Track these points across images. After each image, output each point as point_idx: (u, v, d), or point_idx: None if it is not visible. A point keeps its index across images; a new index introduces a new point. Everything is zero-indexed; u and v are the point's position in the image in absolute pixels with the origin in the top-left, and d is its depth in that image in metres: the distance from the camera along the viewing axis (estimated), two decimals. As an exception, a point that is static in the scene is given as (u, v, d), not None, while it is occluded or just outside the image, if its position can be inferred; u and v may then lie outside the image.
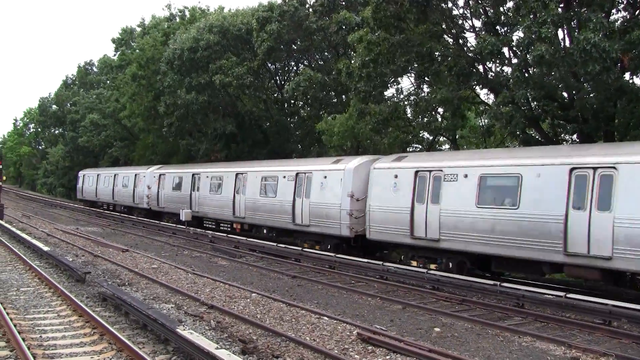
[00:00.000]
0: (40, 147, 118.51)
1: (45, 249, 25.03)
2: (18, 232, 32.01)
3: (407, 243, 22.81)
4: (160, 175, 44.09)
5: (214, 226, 36.53)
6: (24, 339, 11.96)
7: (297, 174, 28.59)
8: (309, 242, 28.04)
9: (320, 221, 26.75)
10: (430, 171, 22.15)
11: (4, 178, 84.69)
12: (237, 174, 33.66)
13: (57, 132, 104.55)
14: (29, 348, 11.40)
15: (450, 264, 21.33)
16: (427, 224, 21.77)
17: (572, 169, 17.75)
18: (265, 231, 31.51)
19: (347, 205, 25.32)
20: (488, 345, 13.16)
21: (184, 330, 11.68)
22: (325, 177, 26.87)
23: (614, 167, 16.86)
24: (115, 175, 53.55)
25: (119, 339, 12.00)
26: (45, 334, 12.91)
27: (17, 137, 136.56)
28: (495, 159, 21.06)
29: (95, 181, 58.61)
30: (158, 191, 43.87)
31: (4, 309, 14.55)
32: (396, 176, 23.41)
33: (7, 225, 36.07)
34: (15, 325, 12.93)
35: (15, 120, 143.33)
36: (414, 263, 22.61)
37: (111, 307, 15.61)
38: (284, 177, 29.45)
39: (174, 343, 11.78)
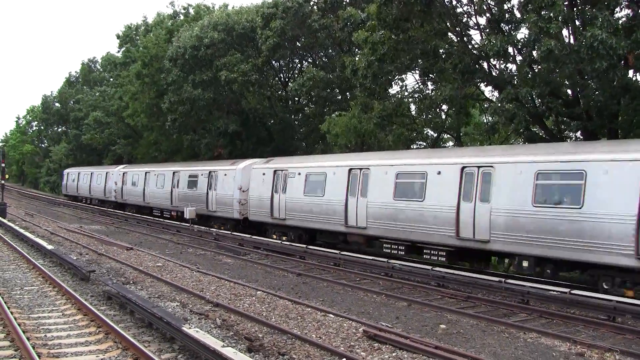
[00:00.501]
0: (43, 145, 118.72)
1: (49, 247, 25.01)
2: (21, 230, 32.02)
3: (269, 222, 30.80)
4: (123, 173, 51.74)
5: (158, 214, 44.89)
6: (28, 339, 11.95)
7: (209, 172, 36.84)
8: (217, 224, 35.89)
9: (223, 207, 34.97)
10: (282, 170, 30.08)
11: (7, 176, 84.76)
12: (174, 172, 41.67)
13: (60, 130, 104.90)
14: (33, 347, 11.38)
15: (292, 236, 29.30)
16: (279, 208, 29.72)
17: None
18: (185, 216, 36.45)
19: (238, 195, 33.57)
20: (494, 342, 13.17)
21: (190, 328, 11.66)
22: (225, 174, 35.16)
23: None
24: (92, 173, 61.46)
25: (124, 338, 11.98)
26: (50, 333, 12.89)
27: (19, 136, 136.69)
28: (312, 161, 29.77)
29: (77, 178, 66.03)
30: (122, 187, 51.50)
31: (8, 308, 14.54)
32: (264, 174, 31.27)
33: (10, 223, 36.09)
34: (19, 325, 12.92)
35: (18, 118, 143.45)
36: (274, 236, 30.33)
37: (116, 305, 15.61)
38: (202, 174, 37.60)
39: (179, 341, 11.77)
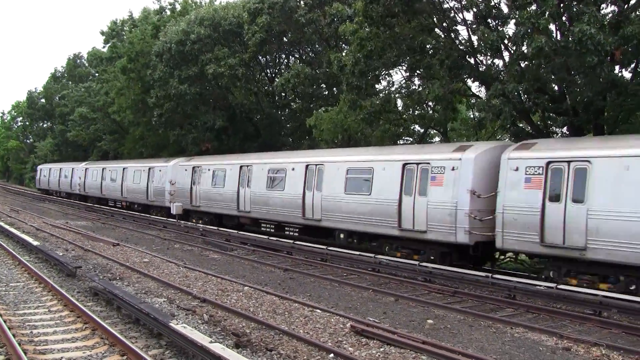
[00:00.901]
0: (28, 141, 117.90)
1: (35, 243, 24.85)
2: (6, 226, 31.81)
3: (190, 209, 36.58)
4: (85, 169, 58.24)
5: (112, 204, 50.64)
6: (14, 335, 11.87)
7: (149, 168, 41.62)
8: (154, 212, 41.59)
9: (159, 198, 40.85)
10: (197, 167, 35.21)
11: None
12: (124, 169, 44.19)
13: (45, 125, 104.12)
14: (19, 344, 11.29)
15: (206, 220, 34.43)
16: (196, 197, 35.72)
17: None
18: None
19: (169, 187, 39.74)
20: (481, 337, 13.23)
21: (177, 324, 11.64)
22: (160, 170, 41.15)
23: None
24: (60, 169, 68.02)
25: (111, 334, 11.93)
26: (36, 330, 12.82)
27: (4, 131, 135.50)
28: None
29: (48, 174, 72.44)
30: (84, 181, 57.89)
31: (-6, 304, 14.45)
32: (185, 170, 36.38)
33: (-5, 219, 35.84)
34: (5, 321, 12.82)
35: (3, 113, 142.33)
36: (193, 220, 35.79)
37: (103, 301, 15.53)
38: (143, 170, 41.38)
39: (167, 337, 11.74)
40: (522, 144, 19.75)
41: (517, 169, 18.61)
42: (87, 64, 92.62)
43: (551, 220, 17.59)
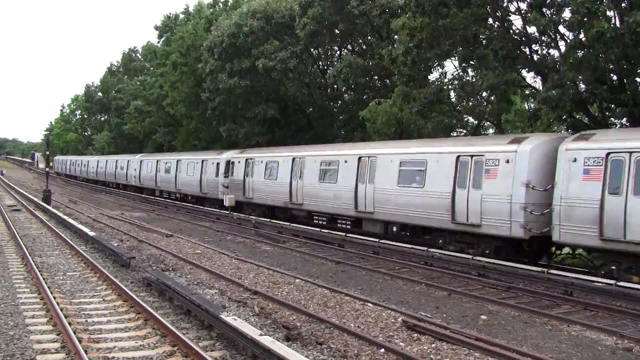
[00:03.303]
0: (86, 134, 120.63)
1: (91, 234, 25.35)
2: (65, 217, 32.53)
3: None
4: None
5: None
6: (70, 323, 12.11)
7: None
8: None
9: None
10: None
11: (51, 164, 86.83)
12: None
13: (102, 118, 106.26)
14: (74, 332, 11.51)
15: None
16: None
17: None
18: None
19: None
20: (536, 334, 12.89)
21: (228, 316, 11.63)
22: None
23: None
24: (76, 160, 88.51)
25: (163, 325, 12.03)
26: (91, 319, 13.03)
27: (64, 124, 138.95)
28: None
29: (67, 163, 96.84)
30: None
31: (51, 293, 14.77)
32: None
33: (54, 210, 36.74)
34: (61, 310, 13.12)
35: (63, 107, 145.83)
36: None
37: (155, 292, 15.70)
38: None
39: (217, 329, 11.77)
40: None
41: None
42: (142, 58, 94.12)
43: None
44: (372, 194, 25.71)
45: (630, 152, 16.75)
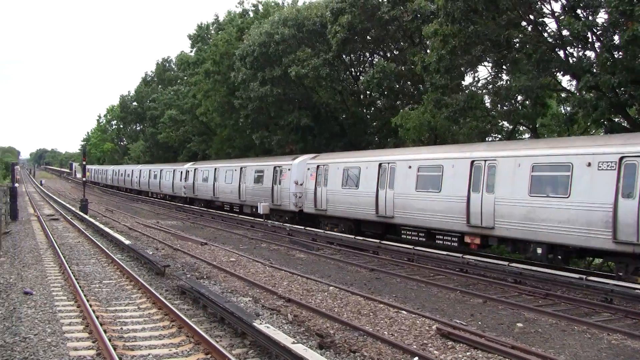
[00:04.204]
0: (122, 143, 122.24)
1: (127, 242, 25.61)
2: (101, 226, 32.94)
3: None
4: (191, 170, 56.00)
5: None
6: (105, 331, 12.25)
7: (241, 168, 41.38)
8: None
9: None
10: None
11: (88, 174, 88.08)
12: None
13: (137, 128, 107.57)
14: (110, 340, 11.63)
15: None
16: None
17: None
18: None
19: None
20: (574, 342, 12.62)
21: (261, 324, 11.61)
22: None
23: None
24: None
25: (196, 332, 12.09)
26: (126, 326, 13.15)
27: (100, 134, 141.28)
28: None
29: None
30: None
31: (88, 301, 14.94)
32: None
33: (91, 219, 37.23)
34: (97, 317, 13.27)
35: (99, 117, 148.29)
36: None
37: (189, 300, 15.77)
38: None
39: (250, 337, 11.77)
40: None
41: None
42: (175, 68, 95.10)
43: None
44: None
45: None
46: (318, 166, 32.63)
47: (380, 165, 27.53)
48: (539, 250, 19.84)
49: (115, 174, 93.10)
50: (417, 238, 25.71)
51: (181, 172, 57.30)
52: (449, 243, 23.78)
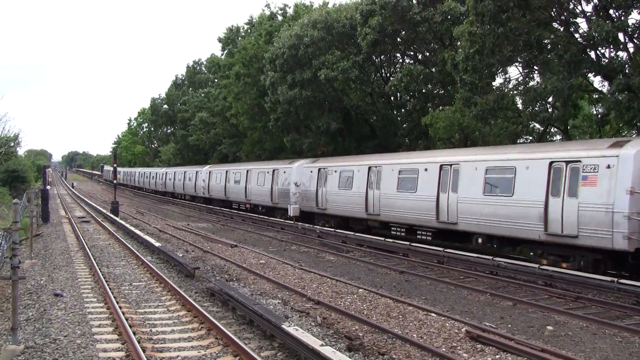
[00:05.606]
0: (153, 146, 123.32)
1: (157, 244, 25.82)
2: (132, 228, 33.28)
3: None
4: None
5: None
6: (134, 333, 12.39)
7: (247, 171, 42.59)
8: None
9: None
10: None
11: (119, 176, 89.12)
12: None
13: (168, 130, 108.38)
14: (139, 342, 11.78)
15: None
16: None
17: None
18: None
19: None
20: (605, 346, 12.47)
21: (290, 326, 11.63)
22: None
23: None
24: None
25: (225, 334, 12.16)
26: (155, 328, 13.28)
27: (131, 137, 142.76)
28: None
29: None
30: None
31: (117, 303, 15.08)
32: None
33: (122, 221, 37.62)
34: (127, 319, 13.43)
35: (130, 120, 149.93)
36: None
37: (219, 302, 15.87)
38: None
39: (279, 339, 11.79)
40: None
41: None
42: (206, 71, 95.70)
43: None
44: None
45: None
46: (319, 169, 36.03)
47: (369, 168, 30.89)
48: (479, 240, 23.65)
49: (141, 176, 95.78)
50: (398, 233, 28.72)
51: (209, 173, 59.55)
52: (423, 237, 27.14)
